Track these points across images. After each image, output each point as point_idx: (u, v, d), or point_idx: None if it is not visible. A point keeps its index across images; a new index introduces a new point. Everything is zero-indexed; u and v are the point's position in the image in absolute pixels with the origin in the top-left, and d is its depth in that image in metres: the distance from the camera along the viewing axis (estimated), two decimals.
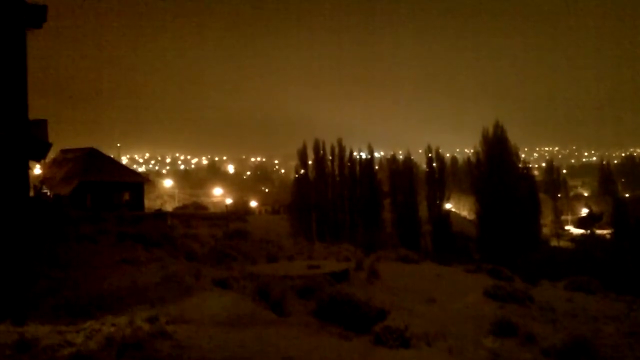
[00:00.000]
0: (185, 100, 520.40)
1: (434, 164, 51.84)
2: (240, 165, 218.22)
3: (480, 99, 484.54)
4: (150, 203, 63.29)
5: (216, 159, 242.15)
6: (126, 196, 41.14)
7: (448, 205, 52.05)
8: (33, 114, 8.78)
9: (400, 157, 57.28)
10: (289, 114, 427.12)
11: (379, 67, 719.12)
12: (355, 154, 53.19)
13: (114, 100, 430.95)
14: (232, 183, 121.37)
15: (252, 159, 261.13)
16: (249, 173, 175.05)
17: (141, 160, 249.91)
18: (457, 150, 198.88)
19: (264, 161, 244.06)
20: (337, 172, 51.75)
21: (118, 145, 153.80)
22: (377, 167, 57.50)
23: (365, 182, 50.30)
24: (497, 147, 44.96)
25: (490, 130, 45.74)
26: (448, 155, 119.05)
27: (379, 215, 48.52)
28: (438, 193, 49.55)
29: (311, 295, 9.21)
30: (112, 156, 50.59)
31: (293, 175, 58.54)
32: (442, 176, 51.30)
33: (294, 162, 59.53)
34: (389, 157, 59.34)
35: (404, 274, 13.91)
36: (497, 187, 42.77)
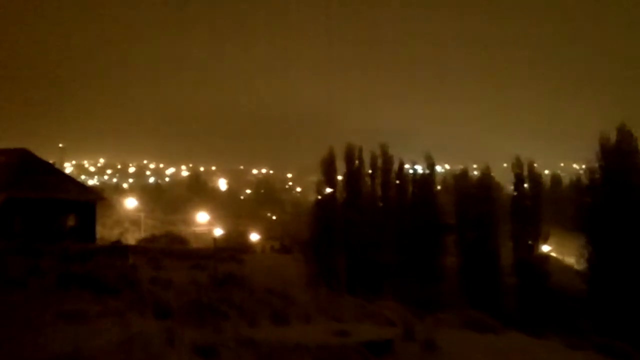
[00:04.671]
0: (157, 88, 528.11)
1: (525, 185, 51.28)
2: (237, 179, 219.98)
3: (592, 92, 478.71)
4: (106, 231, 64.21)
5: (201, 169, 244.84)
6: (71, 221, 41.86)
7: (545, 248, 51.32)
8: None
9: (475, 173, 56.98)
10: (307, 110, 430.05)
11: (439, 48, 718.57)
12: (407, 167, 53.22)
13: (56, 85, 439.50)
14: (224, 205, 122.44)
15: (254, 171, 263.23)
16: (248, 191, 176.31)
17: (93, 169, 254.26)
18: (562, 164, 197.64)
19: (270, 174, 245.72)
20: (379, 193, 51.74)
21: (60, 145, 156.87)
22: (438, 188, 57.36)
23: (421, 209, 50.15)
24: (621, 162, 44.30)
25: (612, 136, 45.12)
26: (547, 172, 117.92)
27: (439, 258, 48.21)
28: (530, 229, 48.84)
29: None
30: (51, 162, 51.50)
31: (313, 197, 58.67)
32: (537, 204, 50.59)
33: (314, 178, 59.71)
34: (457, 172, 59.07)
35: (476, 348, 13.83)
36: (621, 222, 42.06)
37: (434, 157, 54.27)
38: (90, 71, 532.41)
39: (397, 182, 51.88)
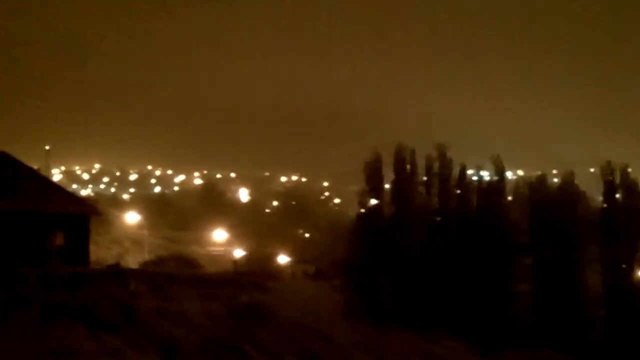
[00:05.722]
0: (163, 81, 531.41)
1: (617, 195, 50.66)
2: (261, 188, 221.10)
3: None
4: (101, 252, 64.83)
5: (218, 176, 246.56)
6: (59, 239, 42.16)
7: None
8: None
9: (554, 180, 56.39)
10: (347, 105, 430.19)
11: (505, 32, 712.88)
12: (470, 172, 52.79)
13: (41, 77, 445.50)
14: (246, 221, 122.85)
15: (282, 179, 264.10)
16: (275, 204, 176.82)
17: (86, 177, 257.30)
18: None
19: (302, 183, 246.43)
20: (435, 205, 51.45)
21: (46, 148, 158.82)
22: (509, 198, 56.80)
23: (487, 225, 49.75)
24: None
25: None
26: None
27: (509, 285, 47.78)
28: (624, 249, 48.31)
29: None
30: (35, 168, 52.10)
31: (354, 210, 58.60)
32: (632, 218, 49.96)
33: (356, 187, 59.61)
34: (532, 180, 58.52)
35: None
36: None
37: (504, 161, 53.83)
38: (81, 60, 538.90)
39: (458, 191, 51.50)
